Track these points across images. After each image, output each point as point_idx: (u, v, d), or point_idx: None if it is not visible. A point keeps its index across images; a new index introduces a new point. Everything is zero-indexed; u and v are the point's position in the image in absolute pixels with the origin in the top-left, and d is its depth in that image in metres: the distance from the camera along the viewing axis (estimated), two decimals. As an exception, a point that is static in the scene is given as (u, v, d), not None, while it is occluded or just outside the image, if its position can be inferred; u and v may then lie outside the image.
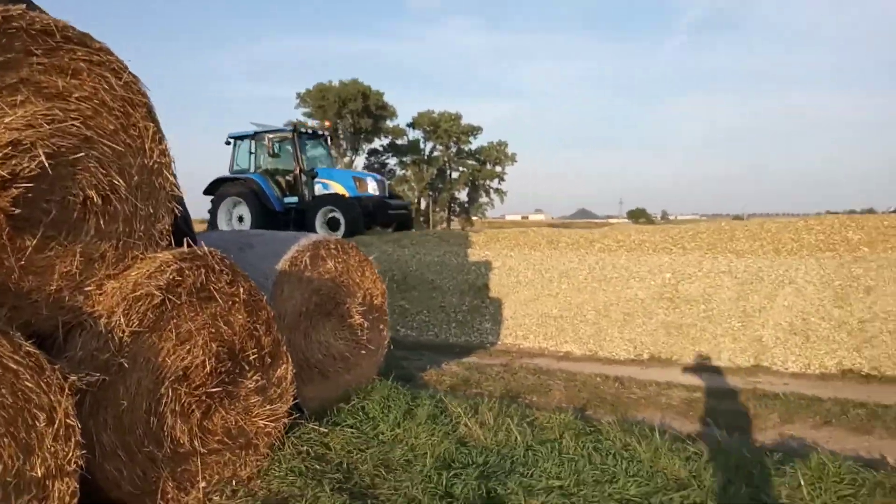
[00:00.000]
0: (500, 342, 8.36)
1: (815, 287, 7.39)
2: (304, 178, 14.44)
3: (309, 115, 50.21)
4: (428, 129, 55.03)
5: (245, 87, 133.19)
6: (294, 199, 14.46)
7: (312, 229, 13.30)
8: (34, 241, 2.81)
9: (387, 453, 3.82)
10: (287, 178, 14.74)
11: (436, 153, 56.81)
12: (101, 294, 3.09)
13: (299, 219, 14.02)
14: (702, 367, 6.83)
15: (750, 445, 3.88)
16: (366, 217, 13.69)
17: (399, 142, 56.17)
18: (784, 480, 3.27)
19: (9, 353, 2.47)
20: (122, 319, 3.05)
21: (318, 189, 14.48)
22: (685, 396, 5.37)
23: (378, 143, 55.94)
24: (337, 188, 14.38)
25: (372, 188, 14.60)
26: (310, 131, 16.01)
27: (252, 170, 14.88)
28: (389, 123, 54.41)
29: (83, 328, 3.00)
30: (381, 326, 5.21)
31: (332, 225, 13.82)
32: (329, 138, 16.31)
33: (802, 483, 3.20)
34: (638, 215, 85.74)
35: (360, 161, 53.35)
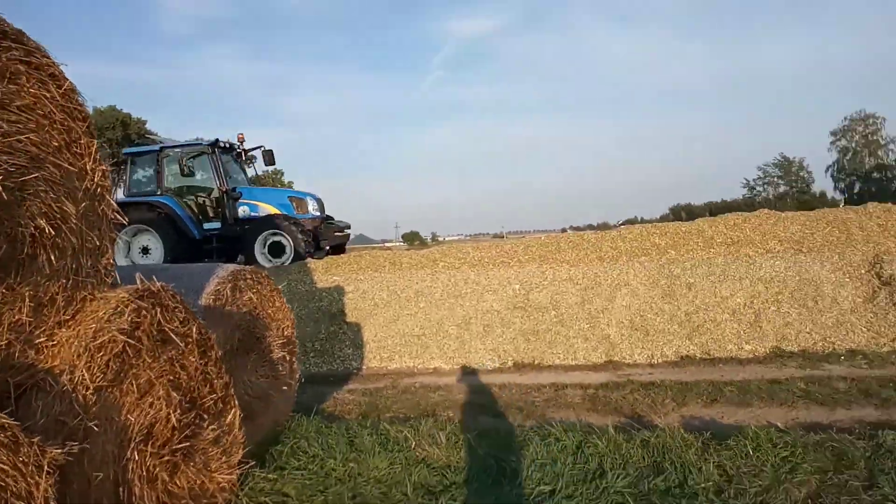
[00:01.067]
0: (365, 367, 8.20)
1: (645, 287, 8.39)
2: (226, 199, 12.44)
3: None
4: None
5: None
6: (216, 225, 12.46)
7: (251, 256, 11.78)
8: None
9: (356, 489, 3.59)
10: (205, 200, 12.72)
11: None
12: (55, 345, 2.53)
13: (224, 246, 12.15)
14: (568, 366, 7.38)
15: (677, 429, 4.31)
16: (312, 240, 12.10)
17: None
18: (731, 453, 3.71)
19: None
20: (85, 374, 2.52)
21: (244, 211, 12.53)
22: (581, 394, 5.78)
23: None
24: (268, 209, 12.58)
25: (312, 208, 12.98)
26: (227, 145, 13.27)
27: (158, 192, 12.40)
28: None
29: (40, 389, 2.43)
30: (293, 359, 4.87)
31: (275, 251, 12.03)
32: (244, 154, 13.84)
33: (751, 451, 3.66)
34: (412, 238, 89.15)
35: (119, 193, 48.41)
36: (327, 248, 12.73)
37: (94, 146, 2.76)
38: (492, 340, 8.18)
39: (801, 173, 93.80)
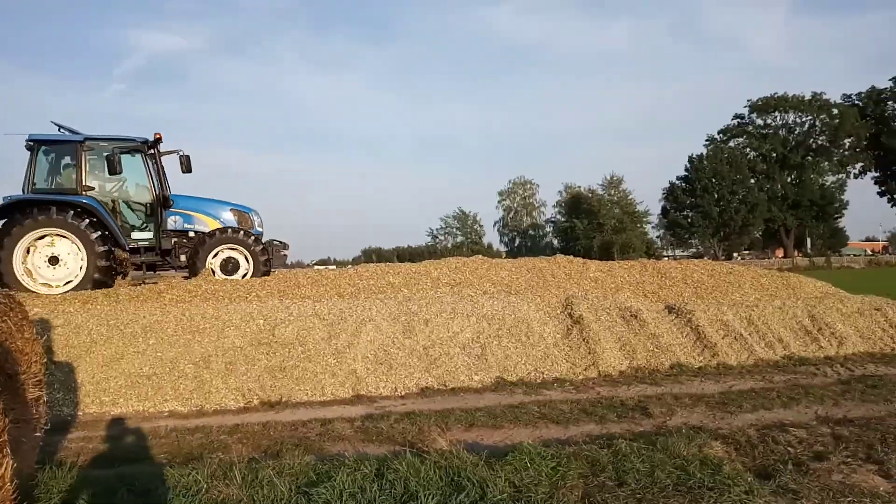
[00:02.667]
0: (82, 412, 7.12)
1: (388, 322, 8.84)
2: (159, 206, 11.12)
3: None
4: None
5: None
6: (146, 235, 11.14)
7: (193, 272, 10.76)
8: None
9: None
10: (134, 206, 11.23)
11: None
12: None
13: (156, 261, 11.09)
14: (318, 402, 7.40)
15: (461, 450, 4.70)
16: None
17: None
18: (512, 467, 4.21)
19: None
20: None
21: (174, 221, 11.27)
22: (350, 426, 5.87)
23: None
24: (206, 222, 11.46)
25: (258, 223, 12.03)
26: (152, 144, 11.36)
27: (78, 191, 10.53)
28: None
29: None
30: (42, 399, 4.12)
31: (229, 269, 11.15)
32: (159, 157, 11.71)
33: (528, 464, 4.20)
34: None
35: None
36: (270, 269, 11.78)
37: None
38: (235, 379, 7.79)
39: (475, 226, 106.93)
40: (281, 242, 12.65)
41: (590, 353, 8.83)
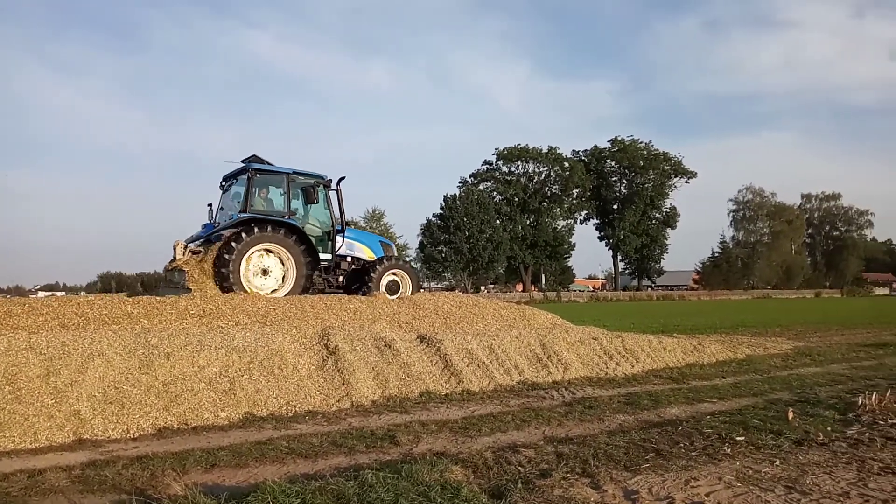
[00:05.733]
0: None
1: (122, 357, 7.93)
2: (335, 234, 13.66)
3: None
4: None
5: None
6: (326, 256, 13.41)
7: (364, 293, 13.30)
8: None
9: None
10: (321, 231, 13.59)
11: None
12: None
13: (329, 278, 13.65)
14: (30, 450, 6.35)
15: (197, 494, 4.34)
16: None
17: None
18: (255, 508, 4.00)
19: None
20: None
21: (343, 248, 13.82)
22: (67, 476, 5.09)
23: None
24: (363, 250, 14.27)
25: (394, 252, 15.24)
26: (338, 181, 13.97)
27: (286, 214, 12.71)
28: None
29: None
30: None
31: (392, 290, 13.94)
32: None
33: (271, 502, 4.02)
34: None
35: None
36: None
37: None
38: (-88, 428, 6.38)
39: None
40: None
41: (344, 383, 8.83)
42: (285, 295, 12.15)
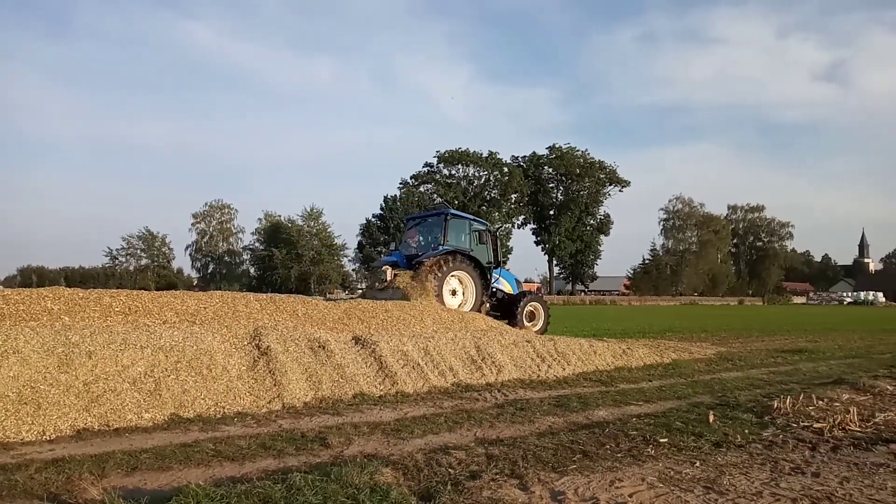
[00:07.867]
0: None
1: (39, 355, 7.56)
2: (491, 272, 16.93)
3: None
4: None
5: None
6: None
7: (513, 318, 16.54)
8: None
9: None
10: (485, 265, 16.56)
11: None
12: None
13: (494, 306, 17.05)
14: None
15: (115, 499, 4.18)
16: None
17: None
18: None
19: None
20: None
21: (494, 282, 17.11)
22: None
23: None
24: (505, 284, 17.57)
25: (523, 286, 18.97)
26: (495, 230, 19.60)
27: (469, 250, 16.44)
28: None
29: None
30: None
31: (529, 317, 17.23)
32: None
33: (198, 509, 3.91)
34: None
35: None
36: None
37: None
38: None
39: (164, 249, 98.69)
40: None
41: (275, 384, 8.67)
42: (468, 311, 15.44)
